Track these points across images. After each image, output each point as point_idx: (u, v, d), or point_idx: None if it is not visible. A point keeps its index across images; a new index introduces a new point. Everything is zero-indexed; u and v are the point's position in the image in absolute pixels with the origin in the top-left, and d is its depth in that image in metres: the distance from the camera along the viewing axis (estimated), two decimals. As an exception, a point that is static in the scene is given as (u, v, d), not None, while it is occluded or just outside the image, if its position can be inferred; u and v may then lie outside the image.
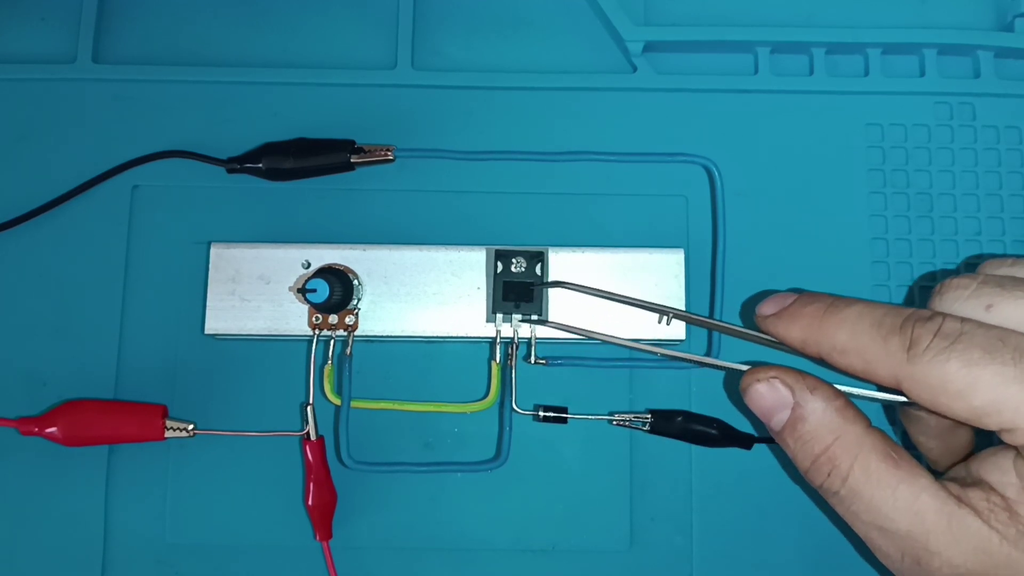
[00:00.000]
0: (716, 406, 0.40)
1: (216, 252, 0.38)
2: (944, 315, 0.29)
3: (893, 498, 0.28)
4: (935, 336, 0.28)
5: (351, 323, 0.38)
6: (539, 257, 0.38)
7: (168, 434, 0.38)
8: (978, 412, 0.27)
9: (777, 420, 0.31)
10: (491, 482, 0.40)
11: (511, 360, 0.38)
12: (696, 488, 0.40)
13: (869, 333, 0.29)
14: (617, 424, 0.38)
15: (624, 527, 0.40)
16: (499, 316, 0.38)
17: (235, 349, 0.40)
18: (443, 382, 0.40)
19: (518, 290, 0.38)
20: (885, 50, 0.43)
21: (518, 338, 0.38)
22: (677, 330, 0.38)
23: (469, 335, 0.38)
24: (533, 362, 0.38)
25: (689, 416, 0.38)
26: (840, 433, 0.30)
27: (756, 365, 0.32)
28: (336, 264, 0.38)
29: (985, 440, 0.31)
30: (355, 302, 0.38)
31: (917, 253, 0.42)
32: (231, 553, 0.39)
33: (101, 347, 0.40)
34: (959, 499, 0.28)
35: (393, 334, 0.38)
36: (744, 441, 0.38)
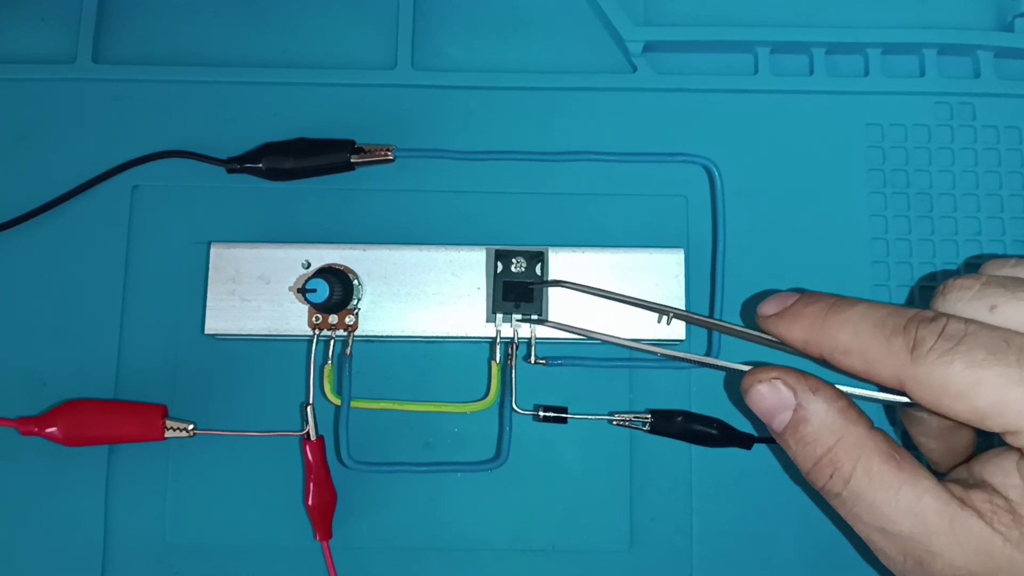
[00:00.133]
0: (716, 406, 0.40)
1: (216, 252, 0.38)
2: (948, 316, 0.29)
3: (895, 500, 0.28)
4: (939, 337, 0.28)
5: (351, 323, 0.38)
6: (539, 257, 0.38)
7: (168, 434, 0.38)
8: (981, 413, 0.27)
9: (779, 421, 0.31)
10: (491, 482, 0.40)
11: (511, 360, 0.38)
12: (696, 488, 0.40)
13: (872, 333, 0.29)
14: (617, 424, 0.38)
15: (624, 527, 0.40)
16: (499, 316, 0.38)
17: (235, 349, 0.40)
18: (443, 382, 0.40)
19: (518, 290, 0.38)
20: (885, 50, 0.43)
21: (518, 338, 0.38)
22: (677, 330, 0.38)
23: (469, 335, 0.38)
24: (533, 362, 0.38)
25: (689, 416, 0.38)
26: (842, 434, 0.30)
27: (757, 365, 0.32)
28: (336, 264, 0.38)
29: (987, 441, 0.31)
30: (355, 302, 0.38)
31: (917, 253, 0.42)
32: (231, 553, 0.39)
33: (101, 347, 0.40)
34: (961, 501, 0.28)
35: (393, 334, 0.38)
36: (744, 441, 0.38)
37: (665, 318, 0.37)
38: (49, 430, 0.37)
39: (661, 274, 0.38)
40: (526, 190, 0.42)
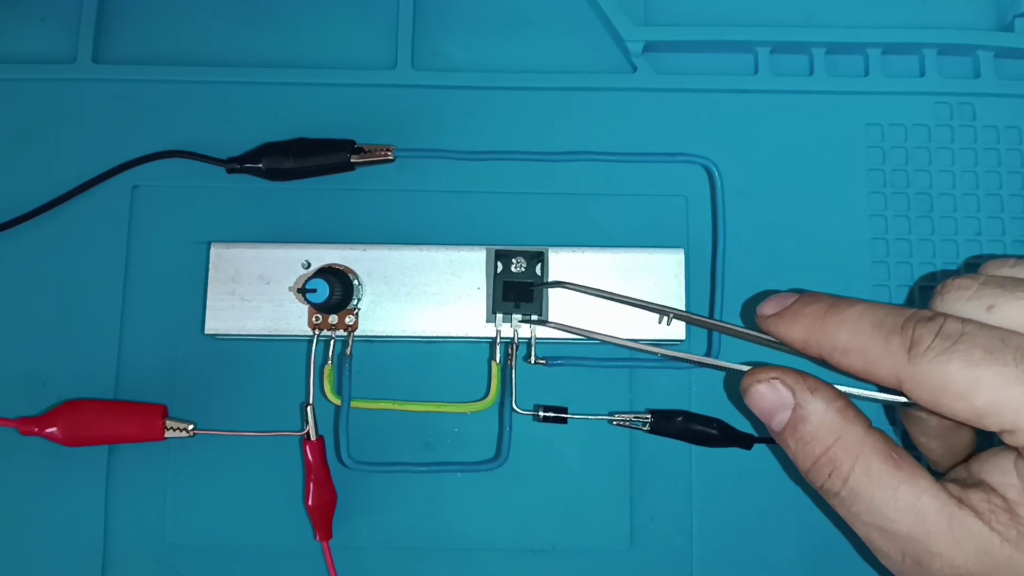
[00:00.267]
0: (716, 406, 0.40)
1: (216, 252, 0.38)
2: (945, 316, 0.29)
3: (894, 499, 0.28)
4: (936, 336, 0.28)
5: (351, 323, 0.38)
6: (539, 257, 0.38)
7: (168, 434, 0.38)
8: (979, 413, 0.27)
9: (778, 421, 0.31)
10: (491, 482, 0.40)
11: (511, 360, 0.38)
12: (696, 488, 0.40)
13: (870, 333, 0.29)
14: (617, 424, 0.38)
15: (624, 527, 0.40)
16: (499, 316, 0.38)
17: (235, 349, 0.40)
18: (443, 382, 0.40)
19: (518, 290, 0.38)
20: (885, 50, 0.43)
21: (518, 338, 0.38)
22: (677, 330, 0.38)
23: (469, 335, 0.38)
24: (533, 362, 0.38)
25: (689, 416, 0.38)
26: (841, 434, 0.30)
27: (757, 366, 0.32)
28: (336, 264, 0.38)
29: (986, 441, 0.31)
30: (355, 302, 0.38)
31: (917, 253, 0.42)
32: (231, 553, 0.39)
33: (101, 347, 0.40)
34: (960, 500, 0.28)
35: (393, 334, 0.38)
36: (744, 441, 0.38)
37: (665, 318, 0.37)
38: (49, 430, 0.37)
39: (661, 274, 0.38)
40: (526, 190, 0.42)
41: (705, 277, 0.40)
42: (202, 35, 0.44)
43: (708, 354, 0.39)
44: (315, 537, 0.38)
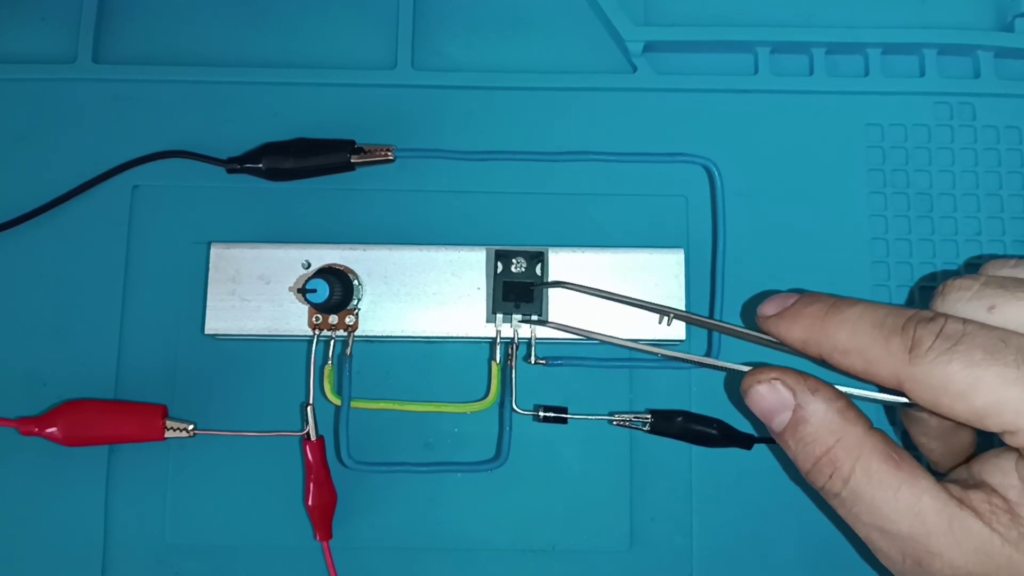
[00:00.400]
0: (716, 406, 0.40)
1: (216, 252, 0.38)
2: (946, 316, 0.29)
3: (894, 500, 0.28)
4: (937, 337, 0.28)
5: (351, 323, 0.38)
6: (539, 257, 0.38)
7: (168, 434, 0.38)
8: (979, 413, 0.27)
9: (778, 421, 0.31)
10: (491, 482, 0.40)
11: (511, 360, 0.38)
12: (696, 488, 0.40)
13: (871, 333, 0.29)
14: (617, 424, 0.38)
15: (624, 527, 0.40)
16: (499, 316, 0.38)
17: (235, 349, 0.40)
18: (443, 382, 0.40)
19: (518, 290, 0.38)
20: (885, 50, 0.43)
21: (518, 338, 0.38)
22: (677, 330, 0.38)
23: (469, 335, 0.38)
24: (533, 362, 0.38)
25: (689, 416, 0.38)
26: (841, 435, 0.30)
27: (757, 366, 0.32)
28: (336, 264, 0.38)
29: (987, 441, 0.31)
30: (355, 302, 0.38)
31: (917, 253, 0.42)
32: (231, 553, 0.39)
33: (101, 347, 0.40)
34: (960, 501, 0.28)
35: (393, 334, 0.38)
36: (744, 441, 0.38)
37: (665, 319, 0.37)
38: (49, 430, 0.37)
39: (661, 274, 0.38)
40: (526, 190, 0.42)
41: (705, 277, 0.40)
42: (202, 35, 0.44)
43: (708, 354, 0.39)
44: (315, 537, 0.38)
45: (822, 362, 0.31)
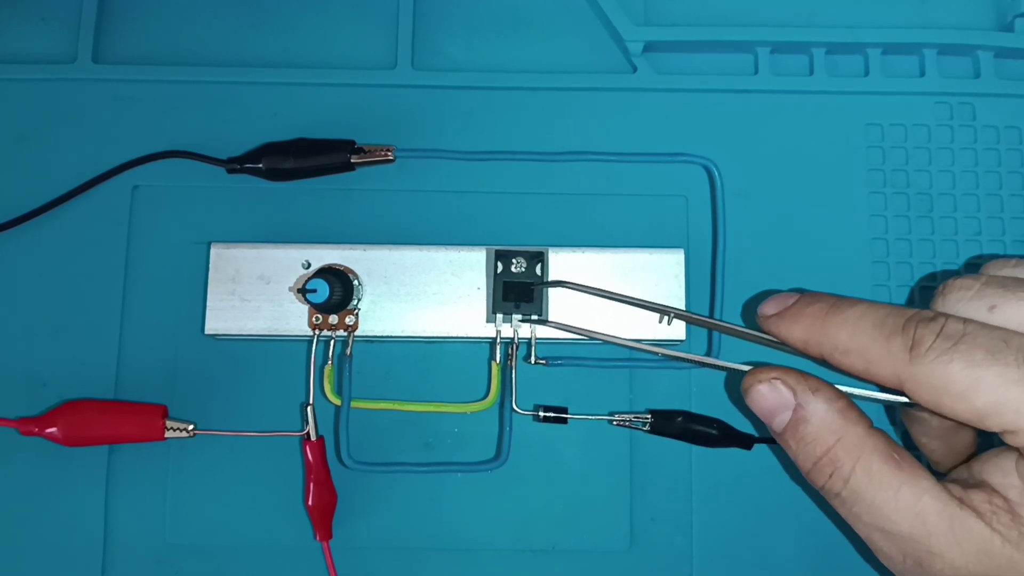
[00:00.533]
0: (716, 406, 0.40)
1: (216, 252, 0.38)
2: (947, 316, 0.29)
3: (895, 500, 0.28)
4: (938, 337, 0.28)
5: (351, 323, 0.38)
6: (539, 257, 0.38)
7: (168, 434, 0.38)
8: (980, 413, 0.27)
9: (779, 421, 0.31)
10: (491, 482, 0.40)
11: (511, 360, 0.38)
12: (696, 488, 0.40)
13: (871, 333, 0.29)
14: (617, 424, 0.38)
15: (624, 527, 0.40)
16: (499, 316, 0.38)
17: (235, 349, 0.40)
18: (443, 382, 0.40)
19: (518, 290, 0.38)
20: (885, 50, 0.43)
21: (518, 338, 0.38)
22: (677, 330, 0.38)
23: (469, 335, 0.38)
24: (533, 362, 0.38)
25: (689, 416, 0.38)
26: (842, 434, 0.30)
27: (757, 366, 0.32)
28: (336, 264, 0.38)
29: (987, 441, 0.31)
30: (355, 302, 0.38)
31: (917, 253, 0.42)
32: (231, 553, 0.39)
33: (101, 347, 0.40)
34: (961, 501, 0.28)
35: (393, 334, 0.38)
36: (744, 441, 0.38)
37: (666, 318, 0.37)
38: (49, 430, 0.37)
39: (661, 274, 0.38)
40: (526, 190, 0.42)
41: (705, 277, 0.40)
42: (202, 35, 0.44)
43: (708, 354, 0.39)
44: (315, 537, 0.38)
45: (822, 362, 0.31)
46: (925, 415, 0.33)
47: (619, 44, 0.43)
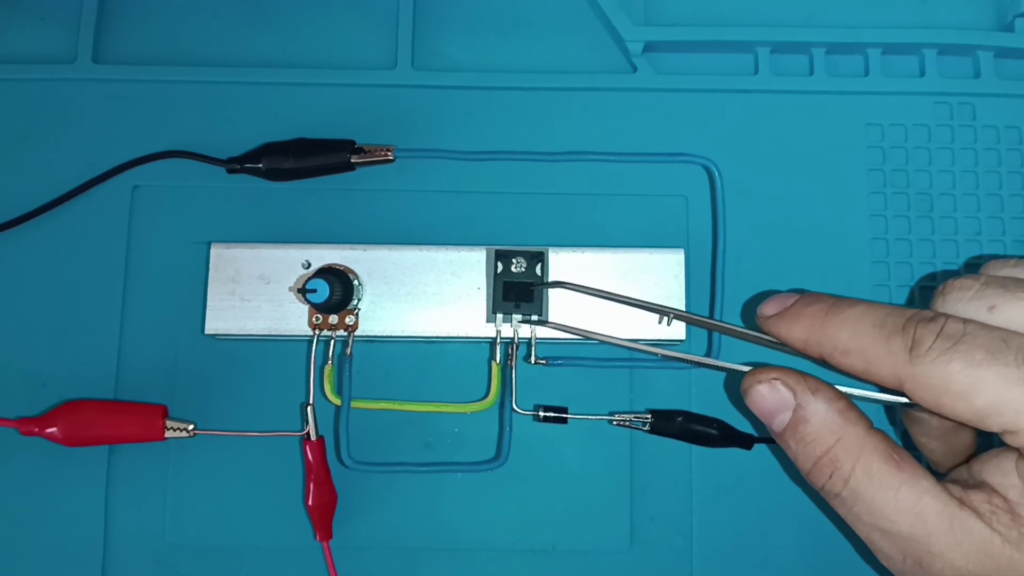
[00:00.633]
0: (716, 406, 0.40)
1: (216, 252, 0.38)
2: (947, 316, 0.29)
3: (895, 500, 0.28)
4: (937, 337, 0.28)
5: (351, 323, 0.38)
6: (539, 257, 0.38)
7: (168, 434, 0.38)
8: (980, 413, 0.27)
9: (779, 421, 0.31)
10: (491, 482, 0.40)
11: (511, 360, 0.38)
12: (696, 488, 0.40)
13: (871, 333, 0.29)
14: (617, 424, 0.38)
15: (624, 527, 0.40)
16: (499, 316, 0.38)
17: (235, 349, 0.40)
18: (443, 382, 0.40)
19: (518, 290, 0.38)
20: (885, 50, 0.43)
21: (518, 338, 0.38)
22: (677, 331, 0.38)
23: (469, 335, 0.38)
24: (533, 362, 0.38)
25: (689, 416, 0.38)
26: (842, 434, 0.30)
27: (757, 366, 0.32)
28: (336, 264, 0.38)
29: (987, 442, 0.31)
30: (355, 302, 0.38)
31: (917, 253, 0.42)
32: (231, 553, 0.39)
33: (101, 347, 0.40)
34: (961, 501, 0.28)
35: (393, 334, 0.38)
36: (744, 441, 0.38)
37: (665, 319, 0.37)
38: (49, 430, 0.37)
39: (661, 274, 0.38)
40: (526, 190, 0.42)
41: (705, 277, 0.40)
42: (202, 35, 0.44)
43: (708, 354, 0.39)
44: (315, 537, 0.38)
45: (822, 362, 0.31)
46: (925, 415, 0.33)
47: (619, 44, 0.43)
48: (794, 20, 0.44)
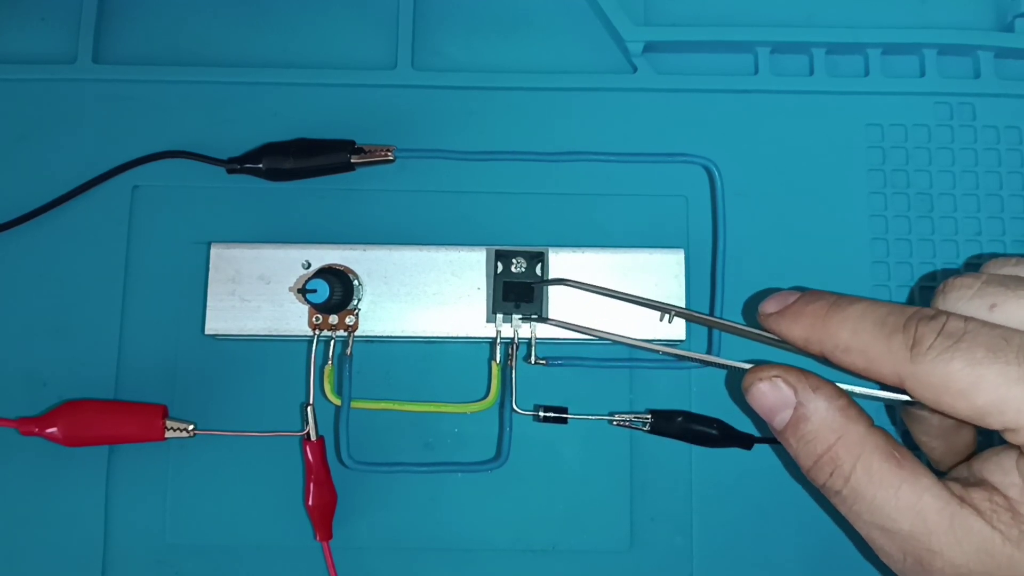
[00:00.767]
0: (716, 406, 0.40)
1: (216, 252, 0.38)
2: (948, 314, 0.29)
3: (895, 498, 0.28)
4: (939, 335, 0.28)
5: (351, 323, 0.38)
6: (539, 257, 0.38)
7: (168, 434, 0.38)
8: (981, 411, 0.27)
9: (779, 419, 0.31)
10: (491, 482, 0.40)
11: (511, 360, 0.38)
12: (696, 488, 0.40)
13: (872, 331, 0.29)
14: (617, 424, 0.38)
15: (624, 527, 0.40)
16: (499, 316, 0.38)
17: (235, 349, 0.40)
18: (443, 382, 0.40)
19: (518, 290, 0.38)
20: (885, 50, 0.43)
21: (518, 338, 0.38)
22: (678, 330, 0.38)
23: (469, 335, 0.38)
24: (533, 362, 0.38)
25: (689, 416, 0.38)
26: (843, 432, 0.30)
27: (758, 364, 0.32)
28: (336, 264, 0.38)
29: (987, 440, 0.31)
30: (355, 302, 0.38)
31: (917, 253, 0.42)
32: (231, 553, 0.39)
33: (101, 347, 0.40)
34: (961, 499, 0.28)
35: (393, 334, 0.38)
36: (744, 441, 0.38)
37: (666, 317, 0.37)
38: (49, 430, 0.37)
39: (661, 274, 0.38)
40: (526, 190, 0.42)
41: (705, 277, 0.40)
42: (202, 35, 0.44)
43: (709, 353, 0.39)
44: (315, 537, 0.38)
45: (823, 360, 0.31)
46: (925, 413, 0.33)
47: (619, 44, 0.43)
48: (794, 20, 0.44)
